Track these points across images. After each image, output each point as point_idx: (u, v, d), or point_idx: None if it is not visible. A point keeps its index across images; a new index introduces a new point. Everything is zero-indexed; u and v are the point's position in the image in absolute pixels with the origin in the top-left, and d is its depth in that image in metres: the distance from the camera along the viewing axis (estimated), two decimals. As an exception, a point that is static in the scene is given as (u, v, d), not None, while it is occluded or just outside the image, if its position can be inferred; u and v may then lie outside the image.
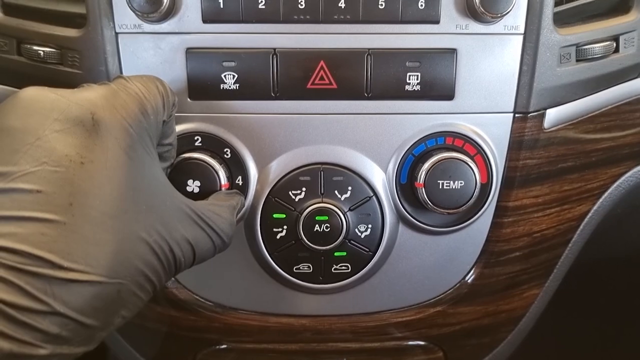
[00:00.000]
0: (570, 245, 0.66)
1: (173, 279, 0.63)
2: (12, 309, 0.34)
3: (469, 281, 0.64)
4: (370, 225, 0.59)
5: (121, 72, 0.55)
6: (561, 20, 0.57)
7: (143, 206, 0.41)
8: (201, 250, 0.46)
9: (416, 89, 0.56)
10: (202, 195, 0.55)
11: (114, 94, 0.43)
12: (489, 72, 0.56)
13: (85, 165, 0.38)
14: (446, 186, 0.56)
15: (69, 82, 0.56)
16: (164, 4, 0.52)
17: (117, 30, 0.54)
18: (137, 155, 0.42)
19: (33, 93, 0.40)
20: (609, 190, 0.65)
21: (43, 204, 0.36)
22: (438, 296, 0.64)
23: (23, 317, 0.34)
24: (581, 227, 0.66)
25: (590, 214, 0.65)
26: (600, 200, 0.65)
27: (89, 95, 0.42)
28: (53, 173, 0.37)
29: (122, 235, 0.39)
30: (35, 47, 0.57)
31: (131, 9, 0.52)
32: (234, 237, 0.58)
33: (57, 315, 0.35)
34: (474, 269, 0.64)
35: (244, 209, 0.58)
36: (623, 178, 0.65)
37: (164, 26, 0.54)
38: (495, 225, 0.61)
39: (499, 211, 0.61)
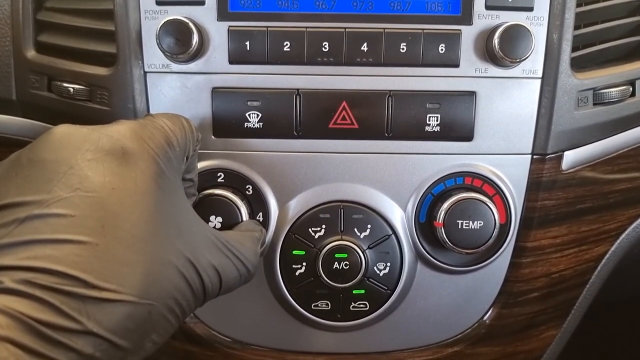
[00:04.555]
0: (588, 285, 0.66)
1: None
2: (48, 328, 0.34)
3: (487, 321, 0.64)
4: (389, 264, 0.59)
5: (148, 110, 0.57)
6: (578, 64, 0.59)
7: (171, 231, 0.43)
8: (227, 278, 0.47)
9: (436, 130, 0.57)
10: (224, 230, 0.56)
11: (142, 127, 0.45)
12: (508, 114, 0.57)
13: (115, 191, 0.40)
14: (465, 226, 0.56)
15: (97, 119, 0.58)
16: (193, 45, 0.53)
17: (146, 70, 0.56)
18: (164, 183, 0.44)
19: (65, 128, 0.43)
20: (626, 232, 0.65)
21: (77, 227, 0.38)
22: (456, 336, 0.64)
23: (58, 336, 0.35)
24: (599, 267, 0.66)
25: (608, 255, 0.65)
26: (618, 241, 0.65)
27: (119, 128, 0.44)
28: (85, 198, 0.39)
29: (152, 257, 0.40)
30: (66, 84, 0.58)
31: (161, 50, 0.54)
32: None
33: (91, 334, 0.36)
34: (492, 309, 0.63)
35: (264, 245, 0.59)
36: (640, 219, 0.65)
37: (192, 66, 0.56)
38: (513, 265, 0.62)
39: (518, 251, 0.61)
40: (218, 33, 0.55)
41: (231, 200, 0.56)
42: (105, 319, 0.37)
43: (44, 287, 0.35)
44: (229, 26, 0.55)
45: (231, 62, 0.56)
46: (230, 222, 0.56)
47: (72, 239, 0.37)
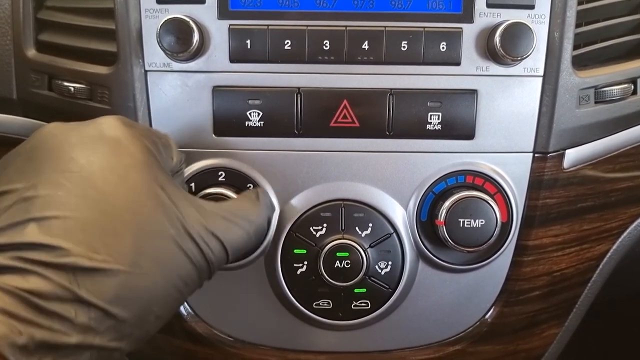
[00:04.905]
0: (589, 284, 0.66)
1: (191, 312, 0.63)
2: (40, 299, 0.36)
3: (488, 320, 0.64)
4: (390, 262, 0.59)
5: (149, 109, 0.57)
6: (580, 62, 0.58)
7: (160, 202, 0.43)
8: (232, 241, 0.47)
9: (437, 129, 0.57)
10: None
11: (126, 121, 0.47)
12: (509, 112, 0.57)
13: (101, 168, 0.42)
14: (467, 224, 0.56)
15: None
16: (194, 44, 0.53)
17: (147, 68, 0.56)
18: (153, 161, 0.45)
19: (55, 123, 0.45)
20: (628, 230, 0.65)
21: (63, 204, 0.39)
22: (457, 334, 0.64)
23: (51, 305, 0.36)
24: (601, 266, 0.65)
25: (609, 254, 0.65)
26: (620, 239, 0.65)
27: (105, 118, 0.46)
28: (71, 177, 0.40)
29: (141, 228, 0.41)
30: (66, 83, 0.58)
31: (161, 49, 0.53)
32: (253, 270, 0.60)
33: (83, 303, 0.37)
34: (493, 307, 0.63)
35: (265, 243, 0.59)
36: (642, 218, 0.65)
37: (192, 65, 0.56)
38: (515, 263, 0.61)
39: (519, 250, 0.61)
40: (219, 31, 0.55)
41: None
42: (96, 288, 0.38)
43: (34, 261, 0.37)
44: (230, 25, 0.55)
45: (232, 60, 0.56)
46: (232, 221, 0.56)
47: (59, 215, 0.39)
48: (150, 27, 0.55)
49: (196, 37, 0.53)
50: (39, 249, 0.37)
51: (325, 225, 0.58)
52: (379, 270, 0.59)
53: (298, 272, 0.59)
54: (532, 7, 0.55)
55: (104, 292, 0.38)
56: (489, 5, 0.55)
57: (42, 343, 0.35)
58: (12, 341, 0.34)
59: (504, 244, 0.59)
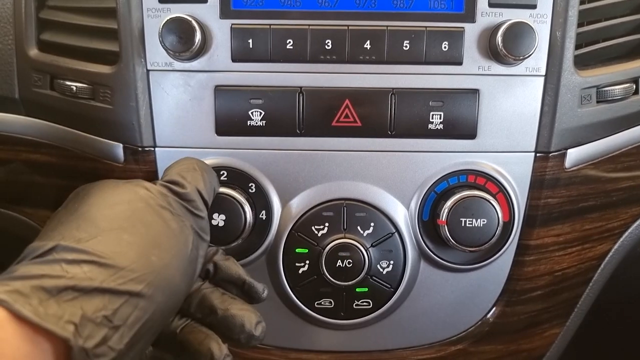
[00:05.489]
0: (591, 284, 0.66)
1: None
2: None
3: (490, 319, 0.64)
4: (392, 262, 0.59)
5: (151, 108, 0.57)
6: (582, 62, 0.58)
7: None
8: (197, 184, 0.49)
9: (439, 128, 0.57)
10: (227, 229, 0.56)
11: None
12: (511, 112, 0.57)
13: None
14: (469, 224, 0.56)
15: (100, 117, 0.58)
16: (196, 43, 0.53)
17: (149, 68, 0.56)
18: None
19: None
20: (629, 230, 0.65)
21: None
22: (459, 334, 0.64)
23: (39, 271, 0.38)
24: (602, 266, 0.65)
25: (611, 253, 0.65)
26: (621, 239, 0.65)
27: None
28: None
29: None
30: (68, 83, 0.58)
31: (163, 48, 0.53)
32: (255, 269, 0.60)
33: (69, 262, 0.38)
34: (495, 307, 0.63)
35: (266, 243, 0.59)
36: (643, 217, 0.65)
37: (194, 64, 0.56)
38: (516, 263, 0.61)
39: (521, 249, 0.61)
40: (221, 31, 0.55)
41: (234, 199, 0.56)
42: (80, 252, 0.39)
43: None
44: (232, 24, 0.55)
45: (234, 60, 0.56)
46: (234, 220, 0.56)
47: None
48: (153, 26, 0.55)
49: (198, 36, 0.53)
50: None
51: (327, 224, 0.58)
52: (381, 270, 0.59)
53: (300, 272, 0.59)
54: (534, 6, 0.55)
55: (90, 250, 0.39)
56: (491, 5, 0.55)
57: (36, 287, 0.36)
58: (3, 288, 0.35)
59: (505, 243, 0.59)
